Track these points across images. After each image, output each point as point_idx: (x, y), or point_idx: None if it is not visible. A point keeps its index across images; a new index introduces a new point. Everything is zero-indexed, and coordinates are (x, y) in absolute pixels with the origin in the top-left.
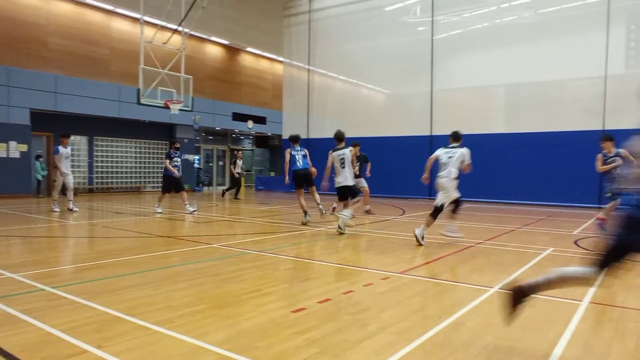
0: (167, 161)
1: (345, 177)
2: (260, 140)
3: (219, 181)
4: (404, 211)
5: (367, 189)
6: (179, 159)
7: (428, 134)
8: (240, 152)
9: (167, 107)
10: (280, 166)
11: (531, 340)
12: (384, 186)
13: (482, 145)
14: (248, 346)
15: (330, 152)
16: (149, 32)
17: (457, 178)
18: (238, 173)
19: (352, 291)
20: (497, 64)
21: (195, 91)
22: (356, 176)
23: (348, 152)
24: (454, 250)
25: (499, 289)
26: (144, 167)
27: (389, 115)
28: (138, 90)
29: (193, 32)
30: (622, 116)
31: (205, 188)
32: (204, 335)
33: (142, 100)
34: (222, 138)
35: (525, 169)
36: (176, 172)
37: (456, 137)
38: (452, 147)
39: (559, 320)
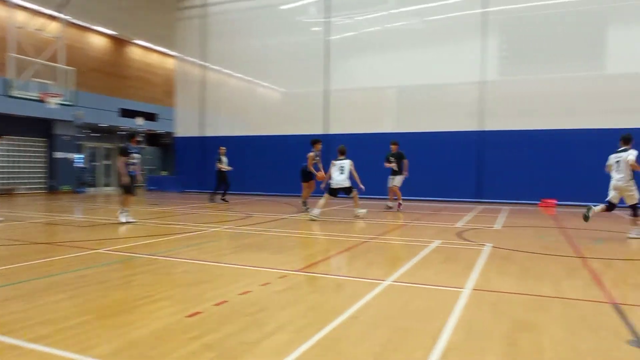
0: (122, 159)
1: (344, 180)
2: (151, 138)
3: (105, 181)
4: (299, 209)
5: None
6: (137, 155)
7: (323, 132)
8: (223, 147)
9: (42, 101)
10: (173, 165)
11: (421, 329)
12: (279, 184)
13: (374, 144)
14: (140, 356)
15: (332, 161)
16: (20, 16)
17: (631, 179)
18: (224, 170)
19: (249, 291)
20: (389, 66)
21: (77, 84)
22: (394, 172)
23: (347, 163)
24: (349, 246)
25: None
26: (17, 167)
27: (285, 114)
28: (7, 80)
29: (73, 20)
30: (497, 118)
31: (90, 189)
32: (88, 349)
33: (13, 92)
34: (109, 135)
35: (412, 166)
36: (126, 178)
37: (626, 140)
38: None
39: (444, 308)
